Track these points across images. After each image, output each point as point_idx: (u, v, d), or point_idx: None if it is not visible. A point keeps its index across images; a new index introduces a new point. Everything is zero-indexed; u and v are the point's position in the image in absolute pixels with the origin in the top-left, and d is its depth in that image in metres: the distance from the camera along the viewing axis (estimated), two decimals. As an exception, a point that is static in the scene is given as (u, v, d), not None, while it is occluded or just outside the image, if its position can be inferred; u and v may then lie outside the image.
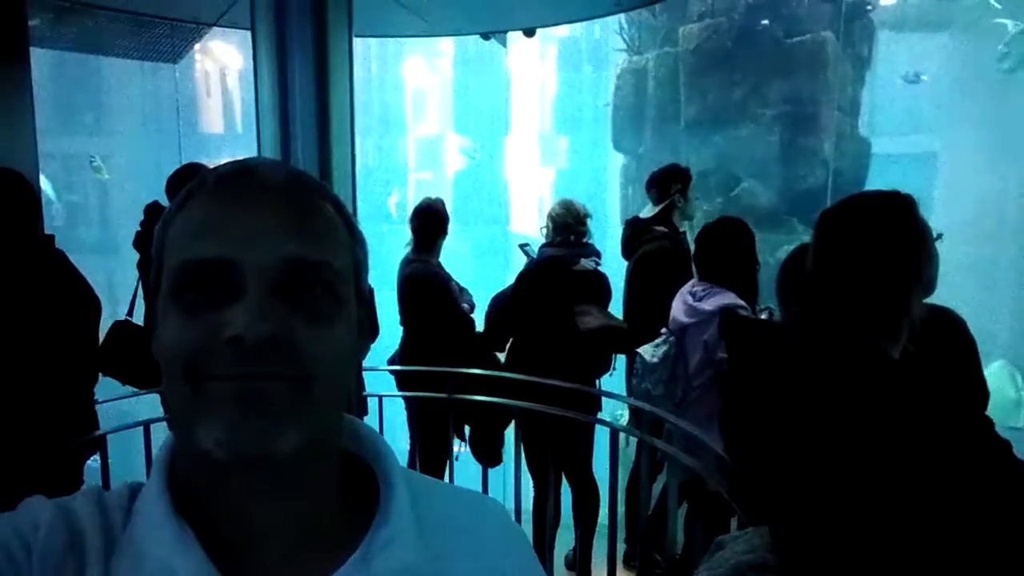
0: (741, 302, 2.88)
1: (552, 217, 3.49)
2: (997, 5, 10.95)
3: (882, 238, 1.33)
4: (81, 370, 2.62)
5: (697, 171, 3.82)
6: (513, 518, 0.71)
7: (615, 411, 5.32)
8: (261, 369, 0.53)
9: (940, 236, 1.42)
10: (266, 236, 0.55)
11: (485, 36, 3.52)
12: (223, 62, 13.31)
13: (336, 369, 0.58)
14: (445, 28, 3.58)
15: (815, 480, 1.37)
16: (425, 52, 15.11)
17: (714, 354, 2.90)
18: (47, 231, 2.70)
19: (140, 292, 3.11)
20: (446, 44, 14.59)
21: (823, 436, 1.35)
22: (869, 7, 9.82)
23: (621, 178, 10.90)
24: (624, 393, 3.32)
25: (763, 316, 3.01)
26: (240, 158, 0.62)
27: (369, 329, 0.66)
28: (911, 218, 1.34)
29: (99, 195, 11.95)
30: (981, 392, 1.93)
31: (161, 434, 2.80)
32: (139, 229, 3.15)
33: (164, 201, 3.17)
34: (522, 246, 3.72)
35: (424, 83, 15.60)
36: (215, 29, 3.70)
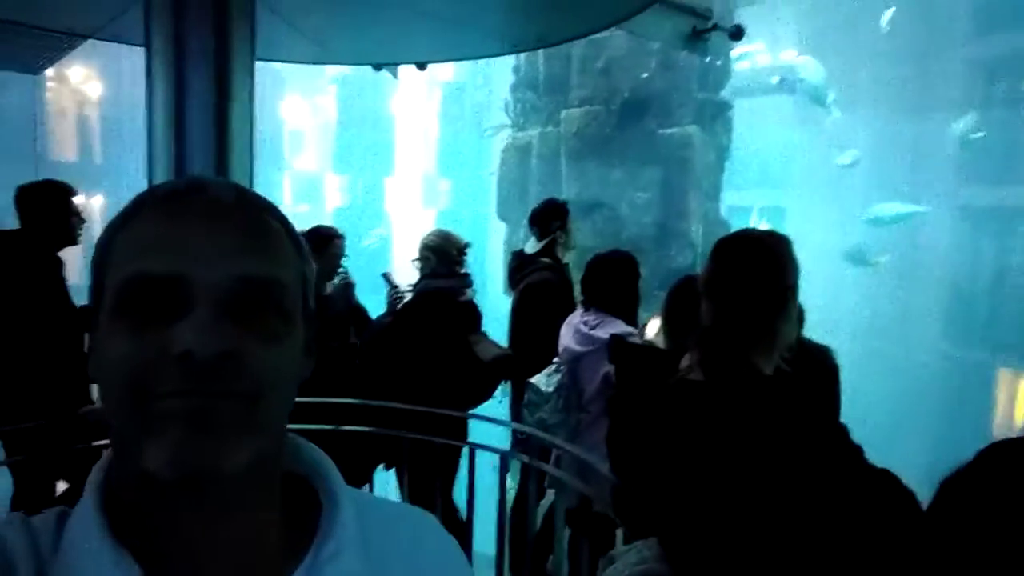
0: (631, 329, 3.02)
1: (432, 248, 3.48)
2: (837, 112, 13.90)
3: (763, 262, 1.59)
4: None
5: (577, 247, 4.05)
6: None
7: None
8: (211, 386, 0.52)
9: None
10: (218, 253, 0.55)
11: (376, 67, 3.55)
12: (81, 90, 12.55)
13: (283, 387, 0.57)
14: (339, 57, 3.57)
15: (700, 489, 1.49)
16: (306, 89, 14.91)
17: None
18: None
19: None
20: (329, 83, 14.47)
21: (704, 445, 1.48)
22: (728, 106, 10.96)
23: (504, 246, 11.20)
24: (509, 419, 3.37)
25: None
26: (185, 176, 0.64)
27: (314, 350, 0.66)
28: (786, 251, 1.61)
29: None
30: (835, 410, 2.20)
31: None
32: None
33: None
34: (385, 275, 3.67)
35: (304, 121, 15.40)
36: (73, 52, 3.50)
